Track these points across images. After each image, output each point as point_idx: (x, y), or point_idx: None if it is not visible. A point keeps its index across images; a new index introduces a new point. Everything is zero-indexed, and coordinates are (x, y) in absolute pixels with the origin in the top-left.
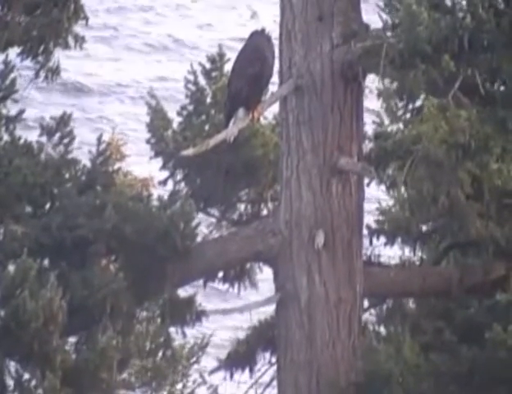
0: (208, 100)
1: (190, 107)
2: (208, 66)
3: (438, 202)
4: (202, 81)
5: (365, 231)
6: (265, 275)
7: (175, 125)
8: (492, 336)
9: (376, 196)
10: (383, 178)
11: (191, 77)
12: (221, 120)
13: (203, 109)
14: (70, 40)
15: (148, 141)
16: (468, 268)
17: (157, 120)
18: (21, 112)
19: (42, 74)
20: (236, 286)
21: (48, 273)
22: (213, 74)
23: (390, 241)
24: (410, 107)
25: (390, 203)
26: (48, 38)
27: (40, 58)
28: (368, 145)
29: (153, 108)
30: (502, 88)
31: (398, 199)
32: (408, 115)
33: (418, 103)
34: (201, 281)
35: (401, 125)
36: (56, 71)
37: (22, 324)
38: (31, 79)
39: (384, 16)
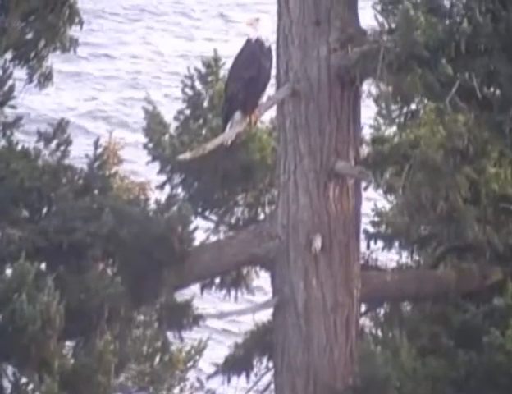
0: (205, 104)
1: (187, 112)
2: (203, 70)
3: (437, 207)
4: (199, 85)
5: (362, 236)
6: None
7: (171, 129)
8: (490, 341)
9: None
10: (380, 182)
11: (188, 81)
12: (218, 124)
13: (201, 113)
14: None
15: (145, 146)
16: (465, 273)
17: (154, 124)
18: (19, 118)
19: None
20: (233, 292)
21: (46, 277)
22: (209, 78)
23: (388, 246)
24: (406, 110)
25: (388, 206)
26: (44, 43)
27: (34, 63)
28: (365, 149)
29: (149, 113)
30: (498, 92)
31: (396, 204)
32: (403, 119)
33: (414, 106)
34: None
35: (397, 129)
36: (48, 76)
37: (19, 328)
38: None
39: (381, 20)
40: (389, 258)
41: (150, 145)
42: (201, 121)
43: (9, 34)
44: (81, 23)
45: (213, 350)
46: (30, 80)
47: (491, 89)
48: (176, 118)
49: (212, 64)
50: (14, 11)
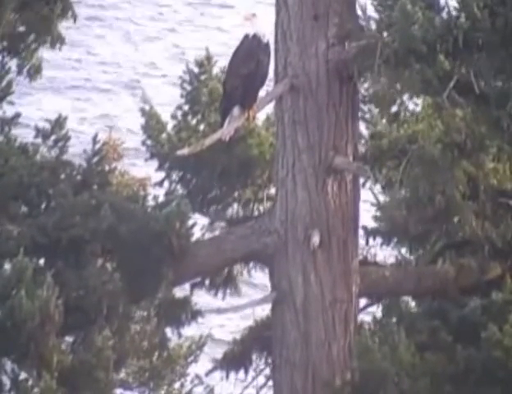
0: (204, 99)
1: (186, 107)
2: (196, 70)
3: (434, 201)
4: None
5: (361, 231)
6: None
7: (169, 127)
8: (488, 336)
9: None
10: (378, 178)
11: (187, 77)
12: (216, 119)
13: (199, 109)
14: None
15: (143, 143)
16: (463, 268)
17: (152, 122)
18: (18, 114)
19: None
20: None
21: (44, 273)
22: (202, 77)
23: (386, 241)
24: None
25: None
26: (36, 35)
27: (24, 55)
28: (363, 144)
29: (147, 113)
30: (496, 87)
31: (394, 199)
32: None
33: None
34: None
35: (394, 125)
36: (37, 69)
37: (18, 324)
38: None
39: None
40: (387, 253)
41: (148, 142)
42: (199, 116)
43: (3, 26)
44: (75, 17)
45: None
46: (20, 72)
47: (489, 85)
48: (173, 117)
49: (205, 63)
50: (8, 2)
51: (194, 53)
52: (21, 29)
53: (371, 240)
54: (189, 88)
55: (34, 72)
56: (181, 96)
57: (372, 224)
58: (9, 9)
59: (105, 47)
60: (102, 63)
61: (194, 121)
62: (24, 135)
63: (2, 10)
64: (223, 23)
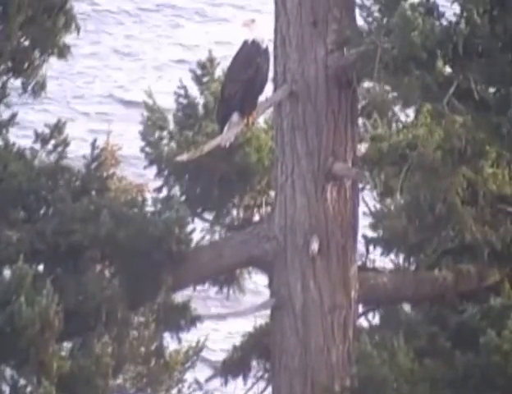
0: (200, 112)
1: (181, 120)
2: (198, 72)
3: (435, 208)
4: (193, 93)
5: (362, 240)
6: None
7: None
8: (487, 342)
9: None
10: (378, 183)
11: (182, 91)
12: (213, 131)
13: (195, 122)
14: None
15: (142, 150)
16: (462, 274)
17: (152, 120)
18: (14, 116)
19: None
20: (226, 290)
21: (44, 279)
22: (204, 79)
23: (386, 251)
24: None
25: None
26: (40, 52)
27: (28, 72)
28: (363, 147)
29: (149, 107)
30: (496, 93)
31: (394, 206)
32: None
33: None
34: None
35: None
36: (42, 86)
37: (18, 330)
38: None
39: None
40: (386, 259)
41: (147, 149)
42: (196, 128)
43: (11, 42)
44: (78, 29)
45: None
46: (25, 90)
47: (489, 91)
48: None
49: (208, 65)
50: (14, 19)
51: (177, 69)
52: (25, 43)
53: (371, 249)
54: (184, 102)
55: (39, 89)
56: (177, 110)
57: (370, 228)
58: (16, 25)
59: (90, 58)
60: (82, 74)
61: (191, 134)
62: None
63: (10, 26)
64: (210, 36)
